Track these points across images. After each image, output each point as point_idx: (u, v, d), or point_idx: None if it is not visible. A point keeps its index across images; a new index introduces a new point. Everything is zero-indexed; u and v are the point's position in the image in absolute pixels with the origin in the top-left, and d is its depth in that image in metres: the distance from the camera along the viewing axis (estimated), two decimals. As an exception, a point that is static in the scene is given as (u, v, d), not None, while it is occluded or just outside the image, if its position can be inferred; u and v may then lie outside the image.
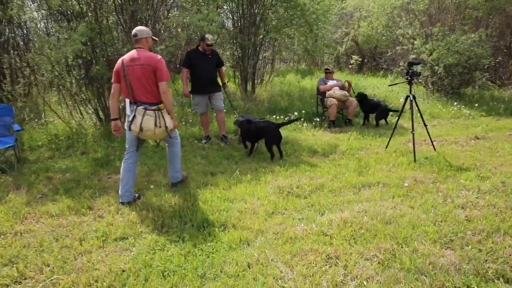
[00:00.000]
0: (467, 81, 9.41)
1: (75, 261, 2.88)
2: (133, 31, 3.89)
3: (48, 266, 2.81)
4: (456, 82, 9.22)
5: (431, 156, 5.10)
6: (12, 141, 5.20)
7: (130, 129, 3.78)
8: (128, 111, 3.78)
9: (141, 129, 3.71)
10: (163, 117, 3.78)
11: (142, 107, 3.72)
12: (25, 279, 2.67)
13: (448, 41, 8.77)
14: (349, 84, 7.69)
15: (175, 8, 8.30)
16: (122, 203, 3.84)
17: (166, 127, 3.80)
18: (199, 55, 5.90)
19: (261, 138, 5.32)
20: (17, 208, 3.78)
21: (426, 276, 2.57)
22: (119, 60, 3.85)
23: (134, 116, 3.71)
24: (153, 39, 4.04)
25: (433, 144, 5.42)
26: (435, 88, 9.64)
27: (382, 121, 7.48)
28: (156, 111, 3.74)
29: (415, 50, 9.48)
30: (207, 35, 5.83)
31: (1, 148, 5.07)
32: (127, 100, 3.80)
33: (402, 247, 2.92)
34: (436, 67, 8.95)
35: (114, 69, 3.86)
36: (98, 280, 2.61)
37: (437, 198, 3.76)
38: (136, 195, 4.00)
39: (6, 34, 7.22)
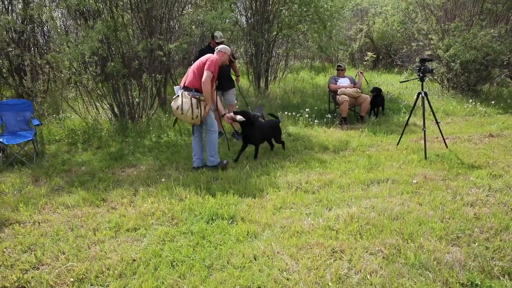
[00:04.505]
0: (484, 77, 9.22)
1: (89, 250, 3.01)
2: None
3: (64, 254, 2.94)
4: (473, 79, 9.06)
5: (443, 153, 5.06)
6: (31, 135, 5.40)
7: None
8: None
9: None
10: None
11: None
12: (42, 265, 2.81)
13: (466, 37, 8.61)
14: (361, 74, 7.64)
15: (189, 6, 8.41)
16: (194, 167, 4.78)
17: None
18: (210, 52, 5.97)
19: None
20: (36, 199, 3.94)
21: (430, 272, 2.60)
22: None
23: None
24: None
25: (445, 142, 5.38)
26: (450, 85, 9.50)
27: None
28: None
29: (431, 46, 9.35)
30: (216, 33, 5.89)
31: (21, 141, 5.29)
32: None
33: (407, 243, 2.94)
34: (453, 64, 8.81)
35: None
36: (110, 268, 2.73)
37: (446, 196, 3.75)
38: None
39: (28, 32, 7.45)
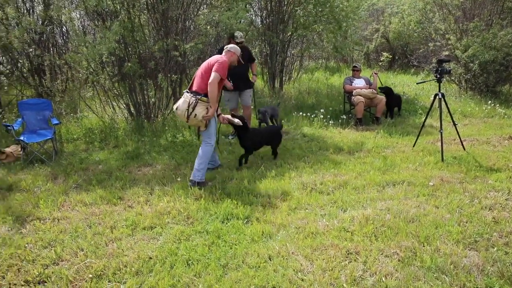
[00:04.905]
0: (504, 78, 9.02)
1: (106, 247, 3.07)
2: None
3: (82, 250, 3.01)
4: (492, 80, 8.87)
5: (460, 156, 4.98)
6: (51, 134, 5.53)
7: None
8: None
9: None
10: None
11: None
12: (62, 261, 2.89)
13: (485, 37, 8.44)
14: (376, 75, 7.58)
15: (205, 6, 8.46)
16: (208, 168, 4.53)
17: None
18: None
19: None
20: (55, 196, 4.04)
21: (446, 276, 2.57)
22: None
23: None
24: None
25: (462, 144, 5.29)
26: (468, 86, 9.32)
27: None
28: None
29: (448, 47, 9.19)
30: (236, 33, 5.85)
31: (41, 140, 5.43)
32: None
33: (423, 246, 2.91)
34: (471, 64, 8.65)
35: None
36: (127, 265, 2.78)
37: (463, 199, 3.70)
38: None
39: (47, 33, 7.63)
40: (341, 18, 8.90)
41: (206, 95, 4.20)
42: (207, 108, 4.20)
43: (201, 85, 4.26)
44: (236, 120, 4.71)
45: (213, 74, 4.14)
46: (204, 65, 4.37)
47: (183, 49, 6.38)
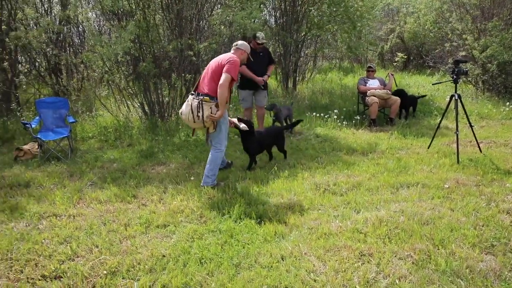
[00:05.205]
0: (523, 80, 8.82)
1: (121, 244, 3.11)
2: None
3: (97, 247, 3.05)
4: (511, 81, 8.69)
5: (476, 158, 4.89)
6: (67, 132, 5.63)
7: None
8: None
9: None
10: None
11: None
12: (78, 257, 2.93)
13: (504, 36, 8.26)
14: (392, 76, 7.50)
15: (219, 6, 8.50)
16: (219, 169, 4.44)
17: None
18: (250, 53, 5.96)
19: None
20: (71, 194, 4.11)
21: (462, 280, 2.52)
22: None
23: None
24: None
25: (479, 146, 5.19)
26: (485, 87, 9.15)
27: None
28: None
29: (465, 47, 9.03)
30: (258, 34, 5.77)
31: (57, 138, 5.53)
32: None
33: (438, 249, 2.87)
34: (489, 65, 8.48)
35: None
36: (140, 262, 2.81)
37: (479, 202, 3.63)
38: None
39: (64, 33, 7.77)
40: (355, 18, 8.85)
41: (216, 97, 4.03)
42: (210, 108, 4.00)
43: (213, 87, 4.03)
44: (242, 125, 4.60)
45: (224, 76, 3.92)
46: (214, 64, 4.13)
47: (197, 48, 6.42)
